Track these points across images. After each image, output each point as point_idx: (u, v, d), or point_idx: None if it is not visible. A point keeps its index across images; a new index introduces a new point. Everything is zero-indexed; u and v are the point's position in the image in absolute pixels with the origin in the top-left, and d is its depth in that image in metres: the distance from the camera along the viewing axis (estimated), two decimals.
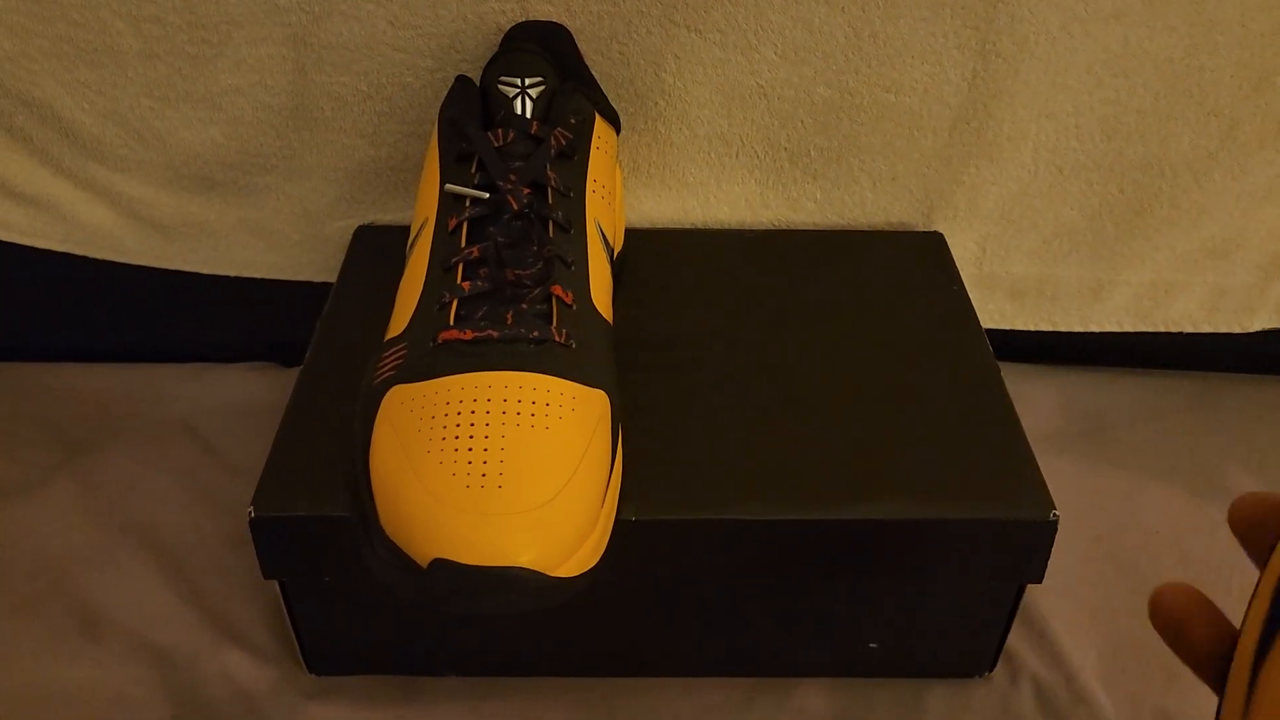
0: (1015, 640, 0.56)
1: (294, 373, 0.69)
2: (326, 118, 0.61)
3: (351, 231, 0.65)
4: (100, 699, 0.53)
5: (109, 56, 0.59)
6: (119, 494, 0.63)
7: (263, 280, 0.69)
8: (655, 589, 0.51)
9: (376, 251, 0.63)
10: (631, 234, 0.61)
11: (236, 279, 0.68)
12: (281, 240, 0.66)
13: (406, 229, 0.53)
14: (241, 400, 0.69)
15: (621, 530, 0.44)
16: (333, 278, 0.62)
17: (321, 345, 0.55)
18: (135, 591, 0.57)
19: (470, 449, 0.40)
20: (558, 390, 0.42)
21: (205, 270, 0.68)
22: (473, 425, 0.41)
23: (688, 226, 0.66)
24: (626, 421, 0.47)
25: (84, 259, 0.67)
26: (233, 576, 0.58)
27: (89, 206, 0.65)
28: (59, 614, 0.56)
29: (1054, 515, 0.47)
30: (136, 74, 0.59)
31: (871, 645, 0.53)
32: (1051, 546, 0.48)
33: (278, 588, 0.51)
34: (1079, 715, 0.54)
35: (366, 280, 0.60)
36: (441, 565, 0.38)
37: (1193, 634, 0.29)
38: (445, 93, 0.54)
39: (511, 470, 0.39)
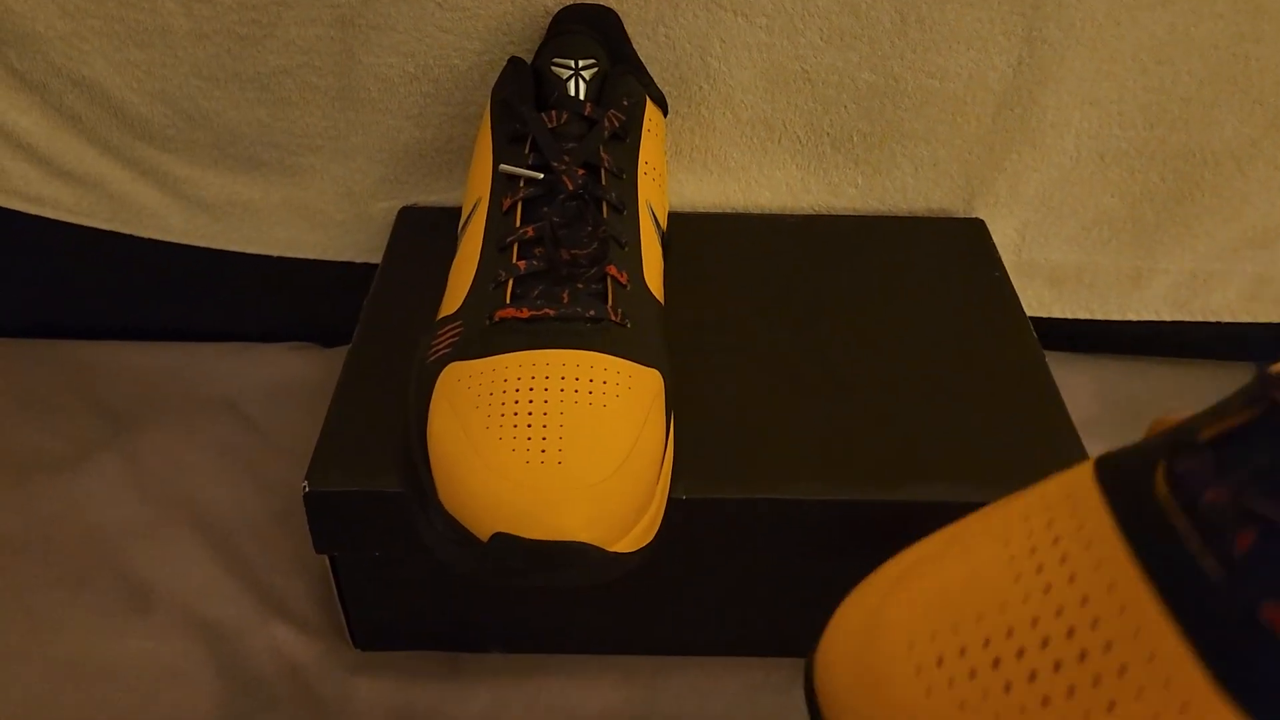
0: None
1: (334, 353, 0.70)
2: (373, 99, 0.61)
3: (395, 212, 0.65)
4: (150, 671, 0.54)
5: (159, 37, 0.59)
6: (164, 470, 0.63)
7: (304, 261, 0.69)
8: (702, 567, 0.52)
9: (420, 232, 0.63)
10: (673, 218, 0.61)
11: (278, 259, 0.69)
12: (325, 220, 0.67)
13: (450, 210, 0.53)
14: (283, 379, 0.70)
15: (671, 508, 0.45)
16: (375, 258, 0.62)
17: (369, 324, 0.56)
18: (183, 566, 0.58)
19: (529, 425, 0.40)
20: (614, 369, 0.43)
21: (250, 250, 0.68)
22: (531, 402, 0.41)
23: (729, 211, 0.66)
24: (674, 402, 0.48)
25: (129, 238, 0.68)
26: (278, 551, 0.59)
27: (136, 186, 0.65)
28: (108, 587, 0.57)
29: None
30: (186, 54, 0.60)
31: None
32: None
33: (327, 562, 0.52)
34: None
35: (412, 261, 0.61)
36: (502, 539, 0.38)
37: None
38: (491, 75, 0.55)
39: (571, 447, 0.40)
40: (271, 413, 0.67)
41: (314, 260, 0.69)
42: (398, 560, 0.51)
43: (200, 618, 0.56)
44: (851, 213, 0.66)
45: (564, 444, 0.40)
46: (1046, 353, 0.55)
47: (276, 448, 0.65)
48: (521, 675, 0.54)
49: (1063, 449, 0.49)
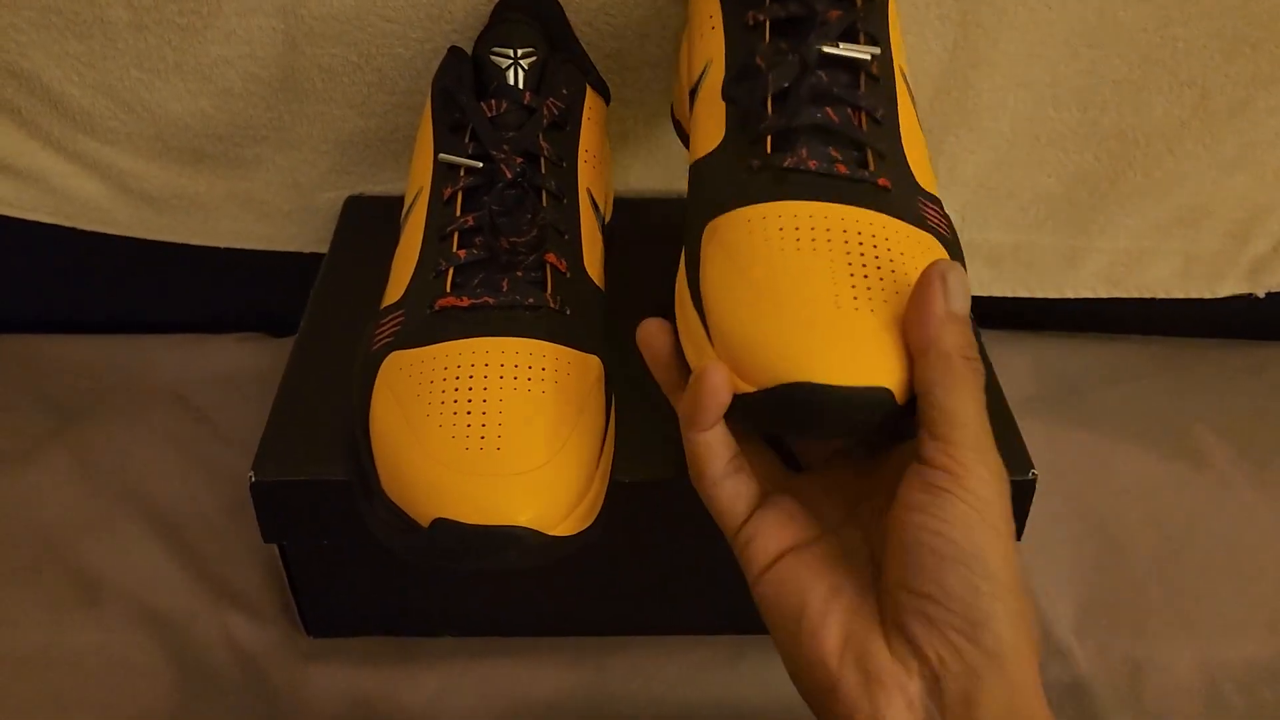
0: None
1: (282, 343, 0.70)
2: (317, 89, 0.61)
3: (341, 202, 0.66)
4: (102, 663, 0.54)
5: (99, 28, 0.59)
6: (113, 462, 0.63)
7: (251, 251, 0.69)
8: (645, 549, 0.52)
9: (366, 222, 0.64)
10: (618, 203, 0.62)
11: (225, 250, 0.69)
12: (271, 211, 0.67)
13: (396, 200, 0.54)
14: (231, 370, 0.70)
15: (613, 491, 0.46)
16: (322, 248, 0.62)
17: (315, 313, 0.56)
18: (133, 558, 0.58)
19: (469, 412, 0.41)
20: (553, 355, 0.43)
21: (195, 241, 0.68)
22: (471, 389, 0.42)
23: (674, 196, 0.67)
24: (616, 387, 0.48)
25: (72, 230, 0.67)
26: (229, 541, 0.59)
27: (79, 179, 0.65)
28: (58, 581, 0.57)
29: (1032, 474, 0.48)
30: (126, 46, 0.60)
31: None
32: (1030, 504, 0.49)
33: (276, 551, 0.52)
34: (1054, 666, 0.56)
35: (357, 250, 0.61)
36: (443, 524, 0.39)
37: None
38: (435, 63, 0.55)
39: (510, 432, 0.40)
40: (220, 403, 0.67)
41: (261, 250, 0.69)
42: (347, 548, 0.52)
43: (151, 609, 0.56)
44: None
45: (502, 430, 0.40)
46: (986, 331, 0.56)
47: (226, 438, 0.65)
48: (472, 658, 0.55)
49: (995, 428, 0.50)
